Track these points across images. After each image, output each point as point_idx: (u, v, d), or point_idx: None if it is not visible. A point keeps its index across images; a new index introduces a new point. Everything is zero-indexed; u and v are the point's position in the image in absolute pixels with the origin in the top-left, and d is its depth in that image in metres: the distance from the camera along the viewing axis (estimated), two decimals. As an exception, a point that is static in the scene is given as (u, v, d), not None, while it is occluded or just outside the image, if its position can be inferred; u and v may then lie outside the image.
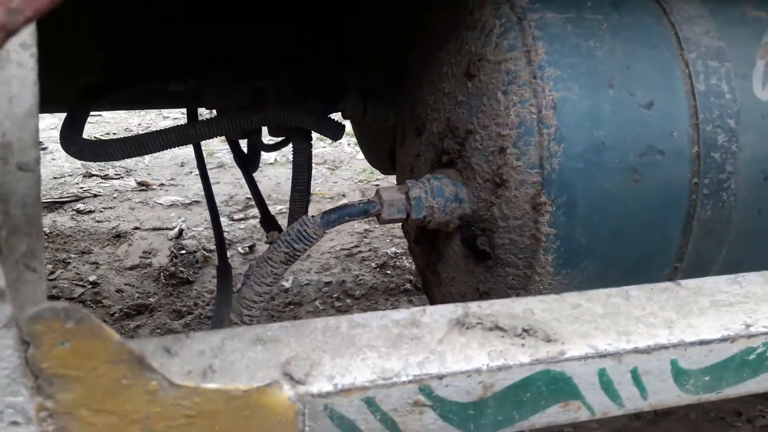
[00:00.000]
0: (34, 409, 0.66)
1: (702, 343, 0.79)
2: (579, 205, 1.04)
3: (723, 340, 0.79)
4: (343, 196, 4.67)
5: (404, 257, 3.69)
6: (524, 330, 0.78)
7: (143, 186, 4.71)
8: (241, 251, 3.75)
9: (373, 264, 3.72)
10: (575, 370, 0.76)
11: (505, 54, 1.05)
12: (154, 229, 4.06)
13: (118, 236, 3.93)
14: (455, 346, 0.77)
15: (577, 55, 1.04)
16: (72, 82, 1.58)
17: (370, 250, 3.88)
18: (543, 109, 1.02)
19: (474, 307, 0.82)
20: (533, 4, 1.07)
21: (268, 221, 2.07)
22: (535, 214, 1.05)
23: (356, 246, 3.92)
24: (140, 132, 6.03)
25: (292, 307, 3.20)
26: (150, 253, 3.78)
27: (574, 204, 1.04)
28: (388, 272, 3.64)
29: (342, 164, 5.34)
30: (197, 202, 4.43)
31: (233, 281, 2.24)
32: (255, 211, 4.14)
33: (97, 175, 4.85)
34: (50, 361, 0.63)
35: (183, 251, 3.72)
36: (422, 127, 1.30)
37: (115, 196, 4.54)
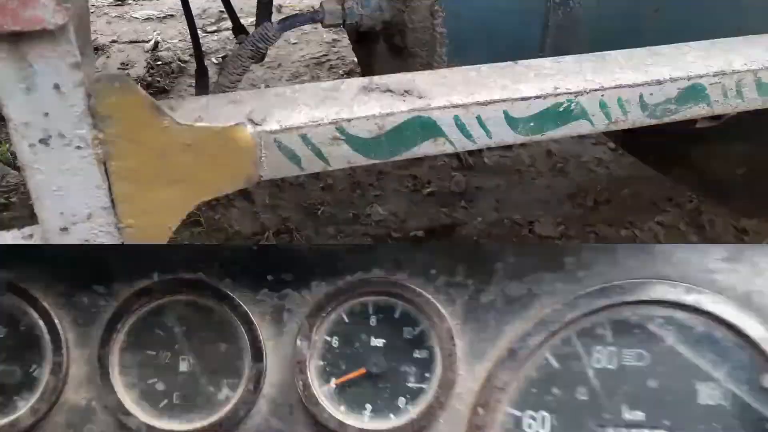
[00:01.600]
0: (91, 138, 1.02)
1: (523, 99, 1.21)
2: (462, 14, 1.46)
3: (537, 97, 1.22)
4: (312, 8, 4.86)
5: (368, 65, 3.96)
6: (405, 91, 1.20)
7: (119, 1, 4.84)
8: (215, 61, 3.98)
9: (340, 71, 3.98)
10: (438, 116, 1.19)
11: None
12: (131, 42, 4.28)
13: (96, 49, 4.13)
14: (361, 102, 1.19)
15: None
16: None
17: (338, 58, 4.12)
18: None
19: (377, 79, 1.25)
20: None
21: (240, 31, 2.39)
22: (432, 18, 1.46)
23: (325, 55, 4.16)
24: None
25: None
26: (127, 64, 4.03)
27: (458, 12, 1.45)
28: (355, 80, 3.96)
29: (312, -23, 5.48)
30: (172, 15, 4.59)
31: (209, 83, 2.59)
32: (228, 24, 4.26)
33: (69, -10, 4.97)
34: (103, 106, 1.00)
35: (159, 62, 3.97)
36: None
37: (92, 11, 4.65)
